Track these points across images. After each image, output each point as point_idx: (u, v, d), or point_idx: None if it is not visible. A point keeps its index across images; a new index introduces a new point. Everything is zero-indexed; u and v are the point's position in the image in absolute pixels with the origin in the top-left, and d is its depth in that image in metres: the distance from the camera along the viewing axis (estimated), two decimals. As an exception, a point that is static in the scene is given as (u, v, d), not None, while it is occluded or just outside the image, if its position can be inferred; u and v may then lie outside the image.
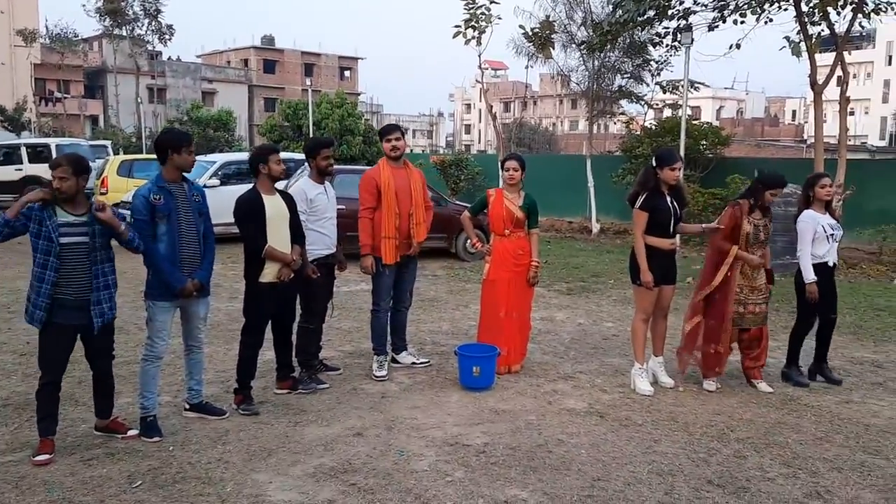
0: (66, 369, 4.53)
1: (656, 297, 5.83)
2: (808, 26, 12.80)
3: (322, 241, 5.81)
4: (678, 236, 5.87)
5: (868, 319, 8.57)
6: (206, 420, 5.05)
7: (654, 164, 5.76)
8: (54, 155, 20.59)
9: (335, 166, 6.27)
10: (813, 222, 5.96)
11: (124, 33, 44.05)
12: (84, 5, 58.06)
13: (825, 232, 5.94)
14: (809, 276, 5.91)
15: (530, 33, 17.83)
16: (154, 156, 5.01)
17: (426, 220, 6.21)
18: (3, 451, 4.49)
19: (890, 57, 60.64)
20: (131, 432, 4.73)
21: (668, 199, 5.74)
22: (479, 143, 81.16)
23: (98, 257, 4.38)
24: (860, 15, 12.60)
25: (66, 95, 50.15)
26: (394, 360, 6.39)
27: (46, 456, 4.33)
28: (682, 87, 16.36)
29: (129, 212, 4.74)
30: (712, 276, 5.90)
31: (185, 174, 4.85)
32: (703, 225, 6.24)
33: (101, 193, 15.64)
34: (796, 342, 6.20)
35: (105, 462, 4.37)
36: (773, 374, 6.22)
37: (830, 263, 6.03)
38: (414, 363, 6.42)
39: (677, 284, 6.08)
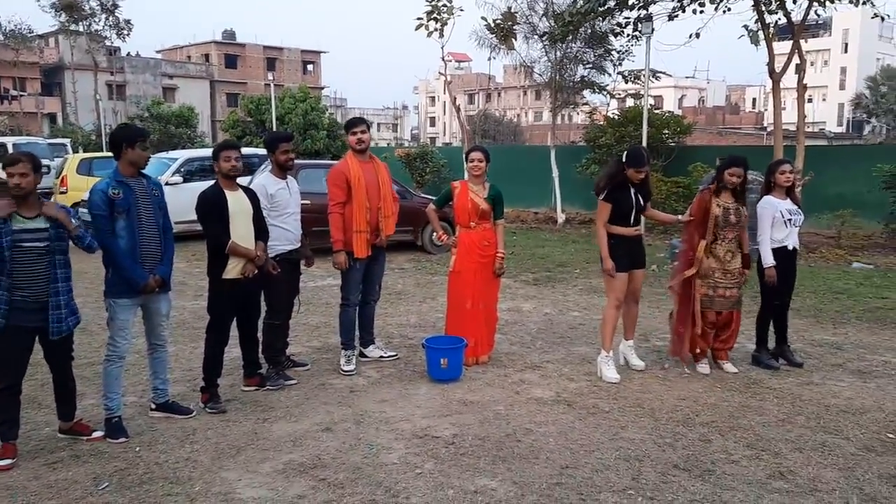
0: (29, 372, 4.46)
1: (627, 282, 5.92)
2: (765, 15, 13.00)
3: (284, 236, 5.76)
4: (643, 223, 5.98)
5: (827, 302, 8.75)
6: (172, 419, 5.00)
7: (623, 159, 5.88)
8: None
9: (298, 161, 6.25)
10: (771, 208, 6.09)
11: (81, 29, 43.11)
12: (38, 1, 56.81)
13: (783, 217, 6.08)
14: (768, 260, 6.04)
15: (492, 25, 17.88)
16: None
17: (395, 214, 6.23)
18: (-37, 457, 4.40)
19: (846, 44, 61.83)
20: (96, 434, 4.66)
21: (633, 191, 5.88)
22: (445, 135, 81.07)
23: (56, 260, 4.31)
24: (816, 3, 12.82)
25: (22, 93, 49.08)
26: (361, 355, 6.39)
27: (9, 461, 4.25)
28: (644, 76, 16.52)
29: (87, 210, 4.67)
30: (685, 266, 6.07)
31: (141, 170, 4.79)
32: (680, 217, 6.36)
33: (61, 192, 15.36)
34: (762, 326, 6.34)
35: (70, 465, 4.30)
36: (734, 357, 6.33)
37: (790, 247, 6.15)
38: (382, 357, 6.42)
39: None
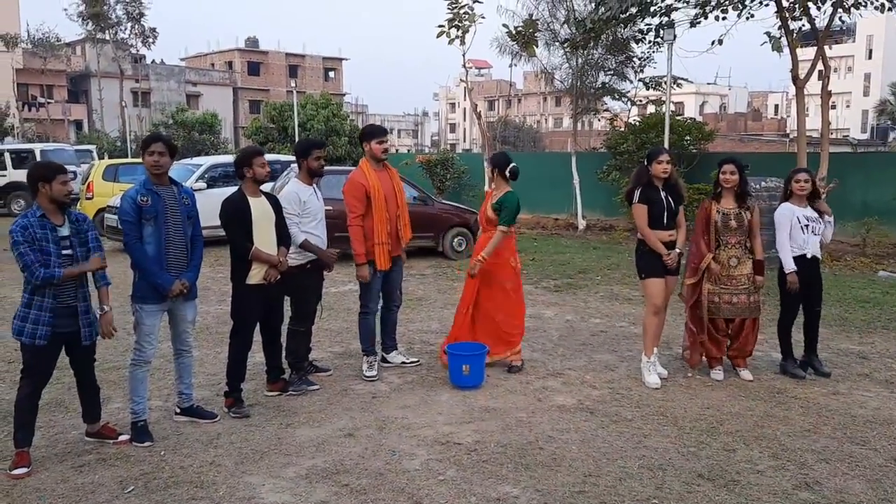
0: (57, 376, 4.53)
1: (663, 288, 5.91)
2: (788, 21, 12.91)
3: (315, 241, 5.78)
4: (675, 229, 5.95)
5: (853, 311, 8.65)
6: (197, 424, 5.04)
7: (645, 161, 5.96)
8: (39, 160, 20.47)
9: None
10: (789, 213, 6.08)
11: (107, 37, 43.74)
12: (66, 10, 57.81)
13: (800, 223, 6.05)
14: (789, 265, 6.00)
15: (514, 32, 17.87)
16: (140, 160, 5.03)
17: (409, 221, 6.25)
18: (-8, 460, 4.47)
19: (870, 51, 61.20)
20: (122, 437, 4.72)
21: (662, 193, 5.87)
22: (465, 141, 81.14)
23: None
24: (840, 9, 12.72)
25: (49, 100, 49.75)
26: (384, 360, 6.40)
27: (24, 469, 4.26)
28: (665, 83, 16.45)
29: (116, 216, 4.75)
30: (691, 273, 6.09)
31: (173, 178, 4.88)
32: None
33: (87, 198, 15.55)
34: (783, 334, 6.28)
35: (97, 468, 4.35)
36: (759, 366, 6.29)
37: (809, 255, 6.10)
38: (404, 362, 6.42)
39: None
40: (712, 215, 5.96)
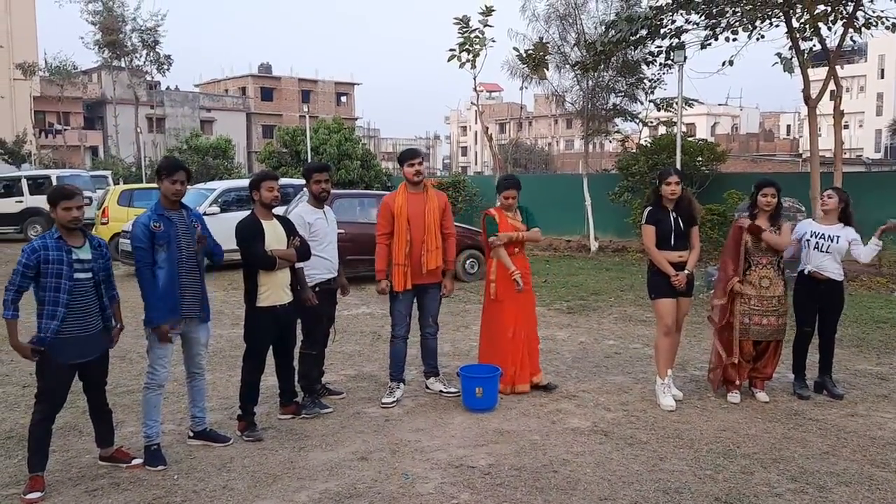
0: (71, 400, 4.54)
1: (674, 309, 5.88)
2: (799, 42, 12.92)
3: (323, 265, 5.81)
4: (688, 250, 5.92)
5: (870, 332, 8.56)
6: (210, 447, 5.03)
7: (657, 182, 6.01)
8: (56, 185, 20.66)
9: (333, 191, 6.28)
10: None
11: (123, 64, 44.32)
12: (82, 38, 58.63)
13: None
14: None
15: (524, 55, 17.97)
16: (154, 185, 5.07)
17: (440, 247, 6.05)
18: (7, 484, 4.47)
19: (882, 70, 61.12)
20: (136, 461, 4.71)
21: (672, 214, 5.87)
22: (476, 164, 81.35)
23: (101, 292, 4.47)
24: (851, 29, 12.72)
25: (65, 127, 50.35)
26: (426, 386, 6.38)
27: (38, 494, 4.25)
28: (677, 104, 16.45)
29: (129, 240, 4.78)
30: (723, 294, 6.05)
31: (183, 202, 4.92)
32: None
33: (103, 223, 15.68)
34: (794, 353, 6.28)
35: (110, 492, 4.34)
36: (776, 387, 6.23)
37: (806, 272, 6.11)
38: (442, 392, 6.26)
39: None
40: (744, 235, 5.95)
